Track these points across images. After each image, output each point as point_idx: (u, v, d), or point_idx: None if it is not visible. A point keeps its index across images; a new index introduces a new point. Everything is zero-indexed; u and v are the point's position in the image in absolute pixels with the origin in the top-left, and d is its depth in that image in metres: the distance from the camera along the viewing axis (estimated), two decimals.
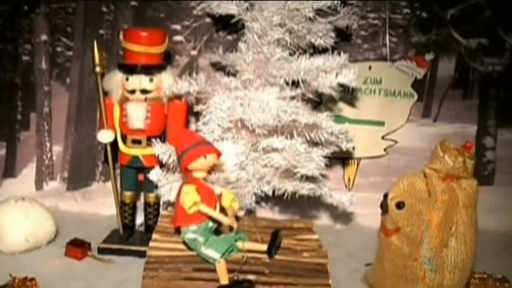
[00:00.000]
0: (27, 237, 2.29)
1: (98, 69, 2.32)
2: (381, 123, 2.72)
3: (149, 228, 2.41)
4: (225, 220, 1.95)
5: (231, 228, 1.99)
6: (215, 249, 1.90)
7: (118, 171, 2.48)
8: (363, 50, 2.70)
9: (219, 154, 2.00)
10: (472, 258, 1.95)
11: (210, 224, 1.97)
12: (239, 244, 1.96)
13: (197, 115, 2.37)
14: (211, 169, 2.02)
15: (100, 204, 2.74)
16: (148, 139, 2.31)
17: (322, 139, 2.20)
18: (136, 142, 2.35)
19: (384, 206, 2.02)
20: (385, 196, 2.02)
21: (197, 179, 1.97)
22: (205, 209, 1.92)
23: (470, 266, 1.97)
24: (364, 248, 2.37)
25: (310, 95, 2.27)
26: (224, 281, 1.87)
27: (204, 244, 1.92)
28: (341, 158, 2.74)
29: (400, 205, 1.96)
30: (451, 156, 1.90)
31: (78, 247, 2.30)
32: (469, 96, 2.79)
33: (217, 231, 2.02)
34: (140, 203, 2.56)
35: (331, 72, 2.15)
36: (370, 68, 2.68)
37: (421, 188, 1.94)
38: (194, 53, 2.70)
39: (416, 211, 1.93)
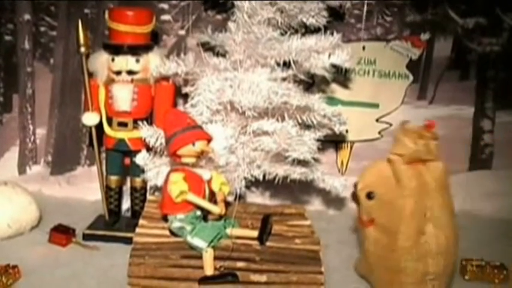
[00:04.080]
0: (10, 223, 2.26)
1: (82, 49, 2.29)
2: (375, 105, 2.69)
3: (135, 213, 2.40)
4: (214, 209, 1.92)
5: (220, 216, 1.96)
6: (202, 238, 1.86)
7: (103, 155, 2.46)
8: (357, 30, 2.66)
9: (209, 140, 1.96)
10: (454, 241, 1.86)
11: (198, 212, 1.94)
12: (228, 230, 1.93)
13: (185, 97, 2.34)
14: (201, 155, 1.97)
15: (85, 189, 2.71)
16: (135, 122, 2.29)
17: (315, 122, 2.20)
18: (123, 125, 2.32)
19: (354, 197, 1.97)
20: (356, 186, 1.96)
21: (186, 165, 1.94)
22: (192, 198, 1.90)
23: (453, 249, 1.88)
24: (357, 234, 2.34)
25: (302, 76, 2.24)
26: (209, 271, 1.84)
27: (190, 233, 1.88)
28: (334, 141, 2.71)
29: (370, 195, 1.90)
30: (411, 139, 1.83)
31: (62, 233, 2.27)
32: (466, 78, 2.76)
33: (205, 218, 1.99)
34: (126, 188, 2.53)
35: (324, 52, 2.14)
36: (364, 48, 2.65)
37: (389, 175, 1.86)
38: (182, 32, 2.67)
39: (388, 201, 1.86)
